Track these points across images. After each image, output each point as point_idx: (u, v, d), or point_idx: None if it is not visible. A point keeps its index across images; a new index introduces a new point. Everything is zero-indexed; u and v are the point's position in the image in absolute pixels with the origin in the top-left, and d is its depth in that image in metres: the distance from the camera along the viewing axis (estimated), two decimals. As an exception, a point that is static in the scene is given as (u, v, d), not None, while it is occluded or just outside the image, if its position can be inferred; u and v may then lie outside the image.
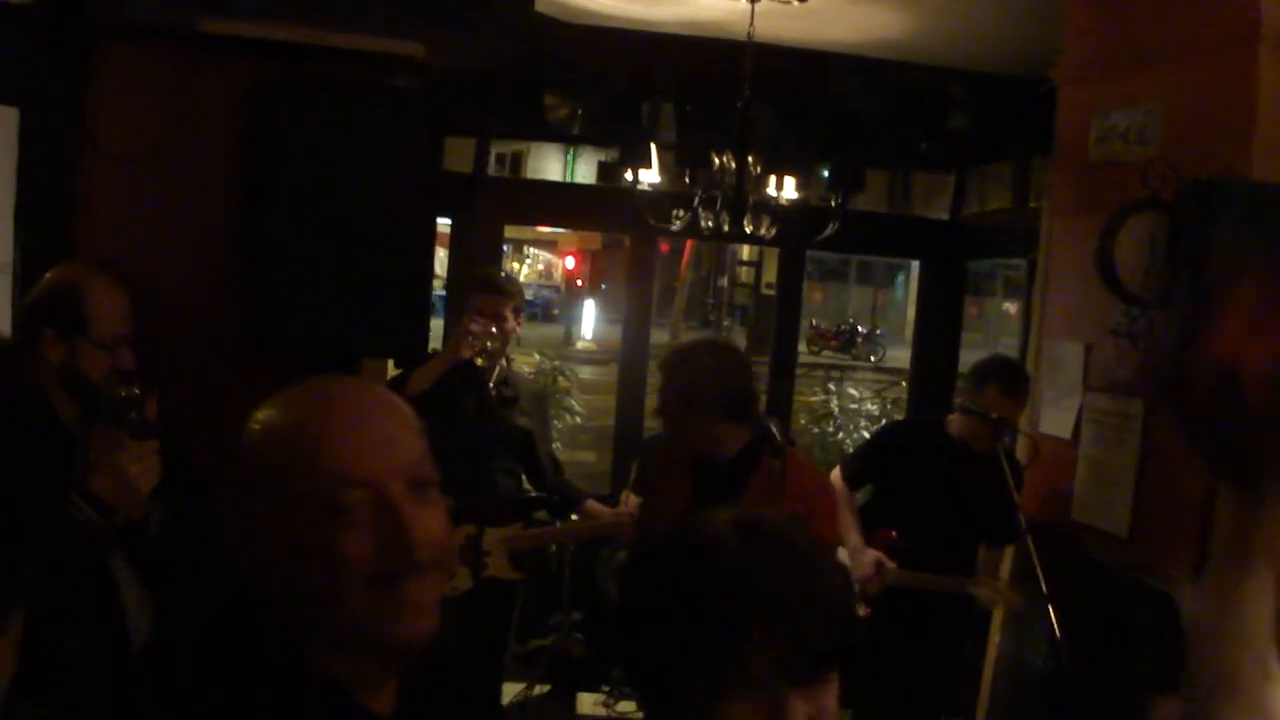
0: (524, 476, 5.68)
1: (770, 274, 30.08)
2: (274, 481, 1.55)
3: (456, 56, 3.73)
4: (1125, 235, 4.30)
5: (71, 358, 3.19)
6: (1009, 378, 4.99)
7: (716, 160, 5.60)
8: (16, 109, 3.82)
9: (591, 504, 5.78)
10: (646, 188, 5.90)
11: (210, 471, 3.22)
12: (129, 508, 3.08)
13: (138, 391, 3.12)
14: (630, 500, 5.37)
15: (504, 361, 5.44)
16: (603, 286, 35.32)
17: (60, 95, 3.77)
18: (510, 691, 6.49)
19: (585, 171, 28.80)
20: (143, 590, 3.25)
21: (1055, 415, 5.09)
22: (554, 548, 6.04)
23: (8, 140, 3.83)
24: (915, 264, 29.38)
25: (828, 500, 4.39)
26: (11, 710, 3.02)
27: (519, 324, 5.39)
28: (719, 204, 5.66)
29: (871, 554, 5.00)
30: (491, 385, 5.33)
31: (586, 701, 6.42)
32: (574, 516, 5.81)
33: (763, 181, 5.69)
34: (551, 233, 31.11)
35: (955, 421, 5.13)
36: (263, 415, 1.63)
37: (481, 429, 5.30)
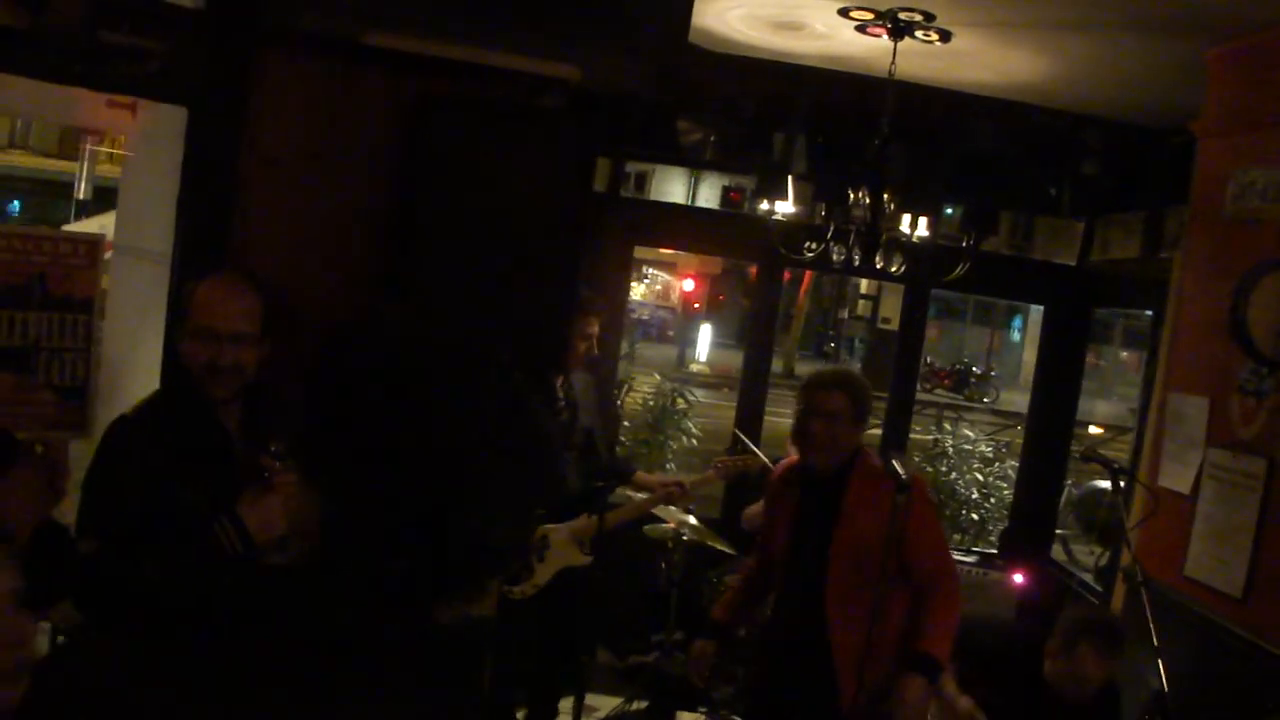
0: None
1: (887, 309, 29.88)
2: None
3: (609, 80, 3.81)
4: (1259, 294, 4.28)
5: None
6: (1104, 635, 4.39)
7: (852, 195, 5.63)
8: (186, 108, 3.99)
9: (641, 475, 6.21)
10: (781, 218, 5.97)
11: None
12: (269, 544, 3.15)
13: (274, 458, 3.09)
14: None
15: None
16: (721, 299, 35.37)
17: (225, 97, 3.93)
18: (607, 705, 6.57)
19: (708, 196, 28.80)
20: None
21: (1175, 469, 5.06)
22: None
23: (176, 137, 4.01)
24: (1034, 308, 28.96)
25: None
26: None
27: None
28: (852, 238, 5.70)
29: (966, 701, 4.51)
30: (561, 394, 5.47)
31: (685, 721, 6.45)
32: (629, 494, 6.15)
33: (896, 218, 5.72)
34: (672, 254, 31.12)
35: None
36: None
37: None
